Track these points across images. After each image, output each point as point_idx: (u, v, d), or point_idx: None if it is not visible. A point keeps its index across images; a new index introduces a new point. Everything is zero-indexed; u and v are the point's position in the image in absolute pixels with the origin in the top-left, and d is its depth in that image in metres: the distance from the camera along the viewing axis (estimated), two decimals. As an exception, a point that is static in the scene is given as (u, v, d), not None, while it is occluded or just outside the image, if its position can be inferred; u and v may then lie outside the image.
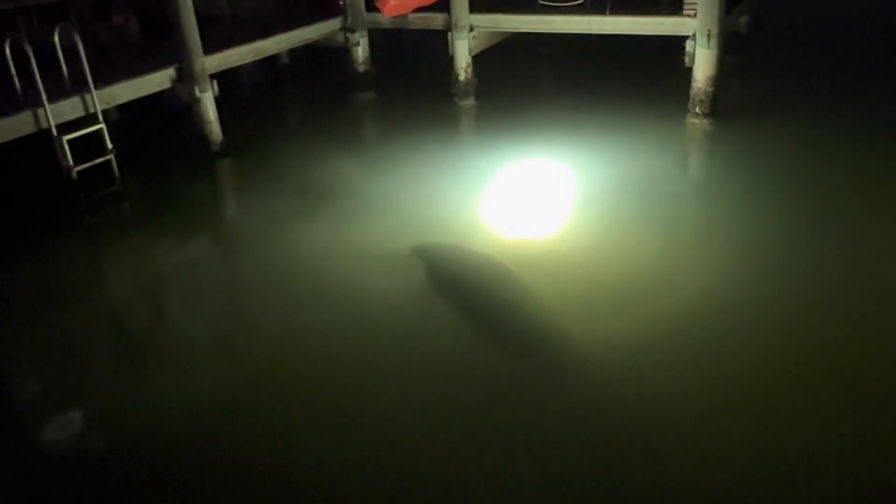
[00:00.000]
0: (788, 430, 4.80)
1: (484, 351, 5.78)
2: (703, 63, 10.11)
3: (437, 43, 12.32)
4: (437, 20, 12.16)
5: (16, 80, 8.18)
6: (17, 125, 7.87)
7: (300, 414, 5.25)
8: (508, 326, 6.14)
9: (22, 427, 5.52)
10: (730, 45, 11.26)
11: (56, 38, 8.23)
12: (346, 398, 5.34)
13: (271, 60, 13.85)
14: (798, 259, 6.86)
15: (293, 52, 14.17)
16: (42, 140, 8.19)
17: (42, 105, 7.95)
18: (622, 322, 5.98)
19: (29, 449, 5.24)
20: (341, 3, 12.35)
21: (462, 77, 11.98)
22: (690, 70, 10.27)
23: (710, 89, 10.23)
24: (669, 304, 6.21)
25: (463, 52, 11.80)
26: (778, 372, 5.34)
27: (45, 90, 7.93)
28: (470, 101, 12.05)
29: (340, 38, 12.57)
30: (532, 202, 8.41)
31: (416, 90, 13.16)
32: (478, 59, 12.02)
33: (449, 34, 11.77)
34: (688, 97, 10.42)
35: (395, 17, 12.34)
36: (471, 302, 6.47)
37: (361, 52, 12.70)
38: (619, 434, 4.84)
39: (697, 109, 10.36)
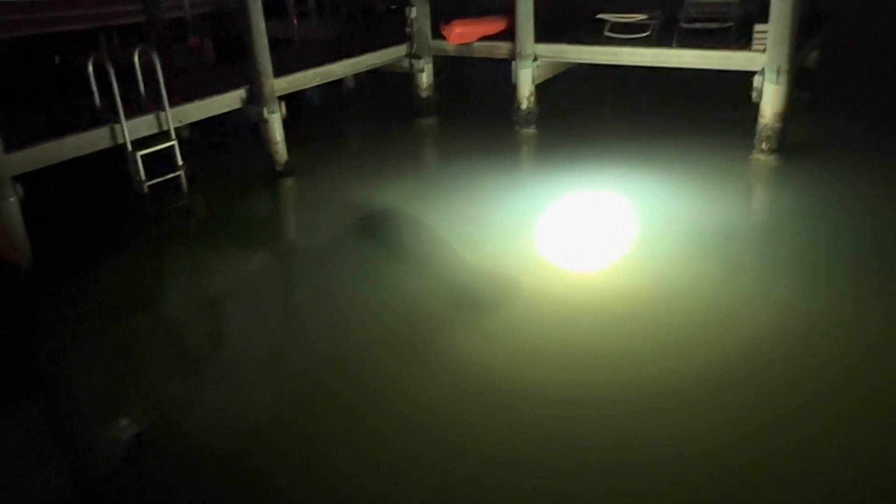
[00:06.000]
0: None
1: (545, 398, 5.58)
2: (771, 99, 9.94)
3: (501, 71, 12.40)
4: (501, 49, 12.28)
5: (96, 96, 8.55)
6: (95, 139, 8.20)
7: (340, 437, 5.27)
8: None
9: (74, 426, 5.75)
10: (798, 81, 11.04)
11: (135, 58, 8.59)
12: (393, 425, 5.33)
13: (337, 84, 14.15)
14: (879, 311, 6.48)
15: (358, 77, 14.44)
16: (114, 154, 8.48)
17: (119, 121, 8.27)
18: (683, 373, 5.76)
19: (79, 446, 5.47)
20: (408, 30, 12.56)
21: (524, 105, 12.02)
22: (755, 104, 10.09)
23: (777, 125, 10.03)
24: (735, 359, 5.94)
25: (526, 80, 11.85)
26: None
27: (123, 107, 8.25)
28: (531, 130, 12.05)
29: (405, 64, 12.77)
30: (591, 236, 8.31)
31: (478, 117, 13.24)
32: (540, 89, 12.06)
33: (513, 63, 11.85)
34: (753, 132, 10.23)
35: (460, 45, 12.52)
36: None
37: (426, 78, 12.87)
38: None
39: (764, 145, 10.16)
